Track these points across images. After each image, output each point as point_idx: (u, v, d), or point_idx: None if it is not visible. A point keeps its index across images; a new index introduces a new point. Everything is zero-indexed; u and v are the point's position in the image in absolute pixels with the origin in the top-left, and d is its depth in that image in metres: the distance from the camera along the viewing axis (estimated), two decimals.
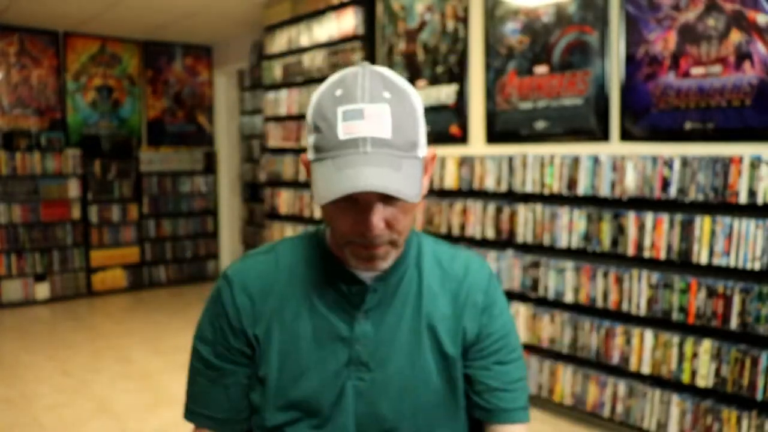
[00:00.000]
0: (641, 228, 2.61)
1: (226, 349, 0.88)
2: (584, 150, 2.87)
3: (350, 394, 0.85)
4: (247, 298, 0.88)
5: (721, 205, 2.39)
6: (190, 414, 0.92)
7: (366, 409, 0.85)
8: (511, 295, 3.10)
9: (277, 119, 4.81)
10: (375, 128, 0.74)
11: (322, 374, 0.85)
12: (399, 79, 0.80)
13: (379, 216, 0.77)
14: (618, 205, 2.72)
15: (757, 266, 2.26)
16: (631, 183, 2.63)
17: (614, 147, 2.79)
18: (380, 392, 0.86)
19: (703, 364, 2.42)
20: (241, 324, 0.87)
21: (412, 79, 3.71)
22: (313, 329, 0.86)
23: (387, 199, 0.77)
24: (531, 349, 3.06)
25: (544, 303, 3.01)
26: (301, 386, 0.85)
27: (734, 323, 2.32)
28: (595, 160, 2.76)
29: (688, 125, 2.52)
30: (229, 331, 0.88)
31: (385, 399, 0.85)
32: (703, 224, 2.41)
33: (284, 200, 4.79)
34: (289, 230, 4.72)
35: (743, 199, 2.30)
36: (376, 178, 0.71)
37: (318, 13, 4.35)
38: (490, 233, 3.20)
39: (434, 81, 3.61)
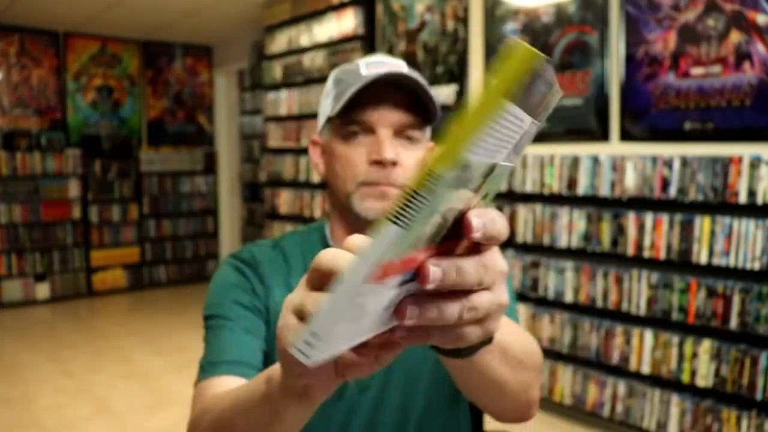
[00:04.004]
0: (641, 228, 2.61)
1: (251, 291, 0.87)
2: (584, 150, 2.87)
3: (353, 389, 0.85)
4: (260, 277, 0.89)
5: (721, 205, 2.39)
6: (209, 366, 0.78)
7: (371, 404, 0.85)
8: None
9: (277, 119, 4.81)
10: (397, 68, 0.83)
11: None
12: None
13: (393, 145, 0.83)
14: (618, 205, 2.72)
15: (756, 266, 2.26)
16: (630, 183, 2.63)
17: (614, 147, 2.79)
18: (385, 387, 0.85)
19: (702, 363, 2.43)
20: (261, 282, 0.88)
21: None
22: None
23: (398, 134, 0.84)
24: None
25: (543, 303, 3.02)
26: None
27: (734, 323, 2.33)
28: (595, 160, 2.76)
29: (687, 125, 2.52)
30: (254, 278, 0.88)
31: (390, 393, 0.85)
32: (702, 224, 2.41)
33: (284, 200, 4.79)
34: (290, 230, 4.72)
35: (743, 199, 2.30)
36: (404, 72, 0.82)
37: (318, 13, 4.36)
38: None
39: (434, 81, 3.61)
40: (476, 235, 0.35)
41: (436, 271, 0.35)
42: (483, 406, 0.72)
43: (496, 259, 0.38)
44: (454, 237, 0.36)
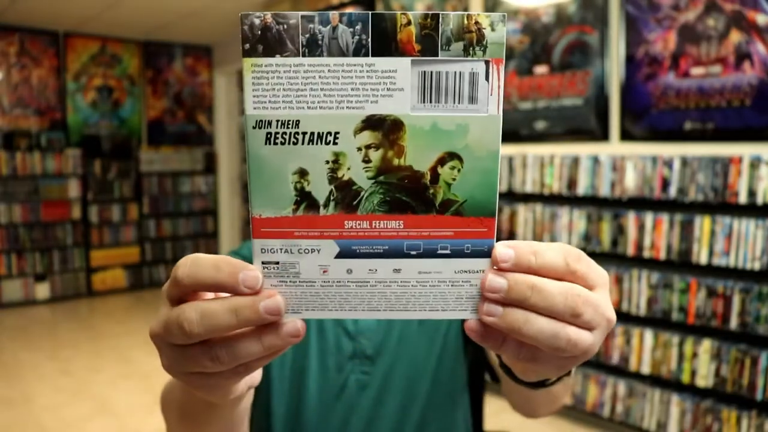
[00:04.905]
0: (641, 228, 2.61)
1: None
2: (584, 150, 2.87)
3: (353, 388, 0.85)
4: None
5: (721, 205, 2.39)
6: None
7: (370, 403, 0.85)
8: None
9: None
10: None
11: (324, 367, 0.85)
12: None
13: None
14: (618, 205, 2.72)
15: (756, 266, 2.26)
16: (630, 183, 2.63)
17: (614, 147, 2.79)
18: (385, 386, 0.85)
19: (702, 363, 2.42)
20: None
21: None
22: (318, 321, 0.87)
23: None
24: None
25: None
26: (303, 379, 0.85)
27: (734, 323, 2.33)
28: (595, 160, 2.76)
29: (687, 125, 2.52)
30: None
31: (390, 392, 0.85)
32: (702, 224, 2.41)
33: None
34: None
35: (743, 199, 2.30)
36: None
37: None
38: None
39: None
40: (504, 265, 0.34)
41: (506, 251, 0.34)
42: (527, 412, 0.78)
43: (604, 302, 0.36)
44: None
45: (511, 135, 3.20)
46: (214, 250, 6.58)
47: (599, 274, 0.37)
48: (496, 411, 3.04)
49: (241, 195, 6.67)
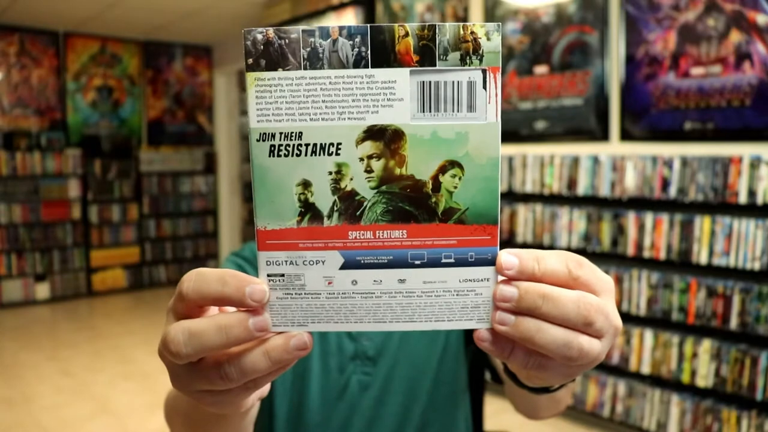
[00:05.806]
0: (641, 228, 2.61)
1: None
2: (584, 150, 2.87)
3: (355, 389, 0.85)
4: None
5: (721, 205, 2.39)
6: None
7: (372, 404, 0.85)
8: None
9: None
10: None
11: (326, 368, 0.85)
12: None
13: None
14: (618, 205, 2.72)
15: (756, 266, 2.26)
16: (630, 183, 2.63)
17: (614, 147, 2.79)
18: (386, 386, 0.85)
19: (702, 363, 2.42)
20: None
21: None
22: None
23: None
24: None
25: None
26: (305, 381, 0.85)
27: (734, 323, 2.33)
28: (595, 160, 2.76)
29: (687, 125, 2.52)
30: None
31: (392, 393, 0.85)
32: (702, 224, 2.41)
33: None
34: None
35: (743, 199, 2.30)
36: None
37: (318, 13, 4.36)
38: None
39: None
40: (508, 272, 0.34)
41: (510, 258, 0.34)
42: (530, 415, 0.78)
43: (612, 310, 0.36)
44: None
45: (511, 135, 3.20)
46: (214, 250, 6.59)
47: (604, 280, 0.37)
48: (496, 411, 3.04)
49: (241, 195, 6.67)
